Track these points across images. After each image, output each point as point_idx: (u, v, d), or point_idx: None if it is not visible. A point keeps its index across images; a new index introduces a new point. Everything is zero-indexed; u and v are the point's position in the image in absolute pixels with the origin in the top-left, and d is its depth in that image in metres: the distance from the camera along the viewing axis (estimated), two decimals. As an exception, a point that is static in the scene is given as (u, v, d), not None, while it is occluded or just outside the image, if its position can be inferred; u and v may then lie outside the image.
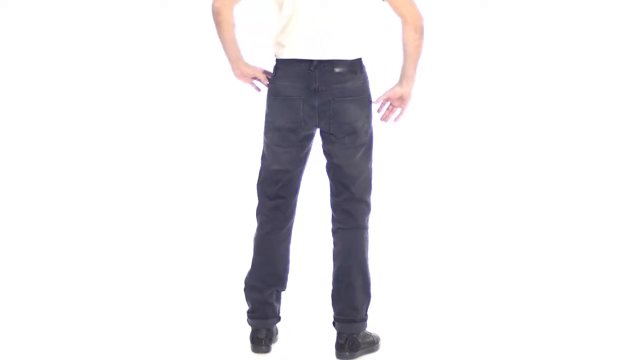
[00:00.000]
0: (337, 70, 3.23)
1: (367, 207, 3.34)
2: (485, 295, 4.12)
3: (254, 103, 5.39)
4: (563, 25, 5.34)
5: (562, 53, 5.36)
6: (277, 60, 3.30)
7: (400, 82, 3.30)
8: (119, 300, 4.03)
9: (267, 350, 3.38)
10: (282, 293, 3.49)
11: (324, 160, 3.39)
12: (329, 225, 3.40)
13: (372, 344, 3.41)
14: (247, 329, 3.51)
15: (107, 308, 3.92)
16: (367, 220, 3.36)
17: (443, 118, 5.40)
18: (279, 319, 3.47)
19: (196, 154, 5.38)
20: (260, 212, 3.40)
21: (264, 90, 3.40)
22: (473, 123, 5.39)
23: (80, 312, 3.85)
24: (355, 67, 3.24)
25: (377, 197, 4.58)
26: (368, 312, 3.38)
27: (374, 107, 3.33)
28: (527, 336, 3.58)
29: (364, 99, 3.26)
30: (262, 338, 3.39)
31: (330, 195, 3.35)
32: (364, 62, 3.29)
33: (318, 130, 3.29)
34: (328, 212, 3.40)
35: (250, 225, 3.57)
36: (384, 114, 3.35)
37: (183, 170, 5.36)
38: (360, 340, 3.35)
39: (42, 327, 3.67)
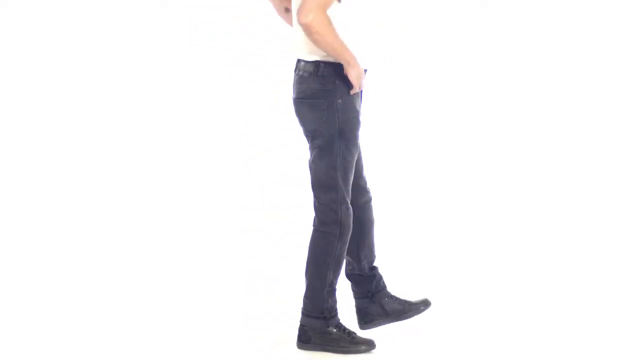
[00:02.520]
0: (299, 70, 3.32)
1: (323, 208, 3.33)
2: (483, 295, 4.12)
3: (255, 103, 5.41)
4: (562, 26, 5.34)
5: (562, 54, 5.36)
6: None
7: None
8: (118, 300, 4.03)
9: None
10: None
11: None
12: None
13: (330, 344, 3.35)
14: (247, 329, 3.50)
15: (107, 308, 3.91)
16: (326, 224, 3.33)
17: (443, 118, 5.40)
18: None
19: (196, 154, 5.37)
20: None
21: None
22: (472, 123, 5.39)
23: (81, 312, 3.85)
24: (312, 70, 3.27)
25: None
26: (322, 314, 3.35)
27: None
28: (526, 336, 3.58)
29: (318, 104, 3.27)
30: None
31: None
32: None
33: None
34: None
35: (249, 225, 3.59)
36: None
37: (183, 170, 5.35)
38: (310, 334, 3.36)
39: (42, 327, 3.66)
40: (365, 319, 3.50)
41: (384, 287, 3.53)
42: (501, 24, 5.34)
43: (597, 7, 5.29)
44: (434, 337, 3.56)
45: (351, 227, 3.36)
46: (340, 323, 3.40)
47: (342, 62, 3.24)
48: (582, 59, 5.34)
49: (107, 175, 5.31)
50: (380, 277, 3.54)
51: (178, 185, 5.32)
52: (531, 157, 5.34)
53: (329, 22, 3.18)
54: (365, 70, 3.35)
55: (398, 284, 4.20)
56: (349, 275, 3.54)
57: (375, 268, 3.54)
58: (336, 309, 3.41)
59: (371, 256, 3.53)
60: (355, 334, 3.40)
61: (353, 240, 3.43)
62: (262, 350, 3.39)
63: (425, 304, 3.50)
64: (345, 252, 3.40)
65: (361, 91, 3.38)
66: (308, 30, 3.17)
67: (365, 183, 3.49)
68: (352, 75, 3.25)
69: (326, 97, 3.27)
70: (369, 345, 3.37)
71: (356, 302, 3.53)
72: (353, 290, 3.54)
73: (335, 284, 3.40)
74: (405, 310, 3.49)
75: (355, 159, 3.36)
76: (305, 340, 3.39)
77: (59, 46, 5.32)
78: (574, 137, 5.34)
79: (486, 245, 4.85)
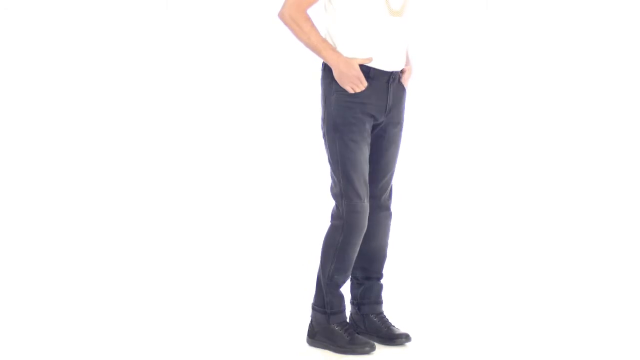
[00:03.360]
0: None
1: (334, 200, 3.37)
2: (483, 296, 4.12)
3: (255, 103, 5.41)
4: (562, 26, 5.34)
5: (561, 54, 5.36)
6: None
7: None
8: (122, 299, 4.02)
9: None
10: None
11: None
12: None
13: (331, 341, 3.36)
14: (247, 328, 3.49)
15: (111, 307, 3.91)
16: (333, 216, 3.37)
17: (442, 118, 5.39)
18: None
19: (196, 154, 5.37)
20: None
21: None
22: (471, 123, 5.38)
23: (81, 312, 3.85)
24: (322, 64, 3.36)
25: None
26: (324, 308, 3.37)
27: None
28: (527, 336, 3.57)
29: (322, 96, 3.36)
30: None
31: None
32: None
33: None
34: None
35: (250, 226, 3.59)
36: None
37: (183, 171, 5.35)
38: (317, 329, 3.39)
39: (42, 327, 3.66)
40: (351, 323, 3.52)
41: (375, 302, 3.51)
42: (502, 24, 5.34)
43: (596, 7, 5.29)
44: (433, 340, 3.56)
45: (357, 224, 3.33)
46: (345, 322, 3.39)
47: (313, 51, 3.28)
48: (582, 59, 5.34)
49: (107, 176, 5.32)
50: (377, 292, 3.51)
51: (181, 185, 5.32)
52: (530, 159, 5.34)
53: (302, 20, 3.23)
54: (393, 72, 3.32)
55: (400, 287, 4.21)
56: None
57: (375, 281, 3.51)
58: (339, 306, 3.39)
59: (370, 266, 3.50)
60: (356, 334, 3.38)
61: None
62: (271, 348, 3.40)
63: (406, 338, 3.42)
64: (353, 253, 3.37)
65: (388, 92, 3.33)
66: (285, 25, 3.29)
67: (382, 195, 3.45)
68: (334, 75, 3.28)
69: (325, 90, 3.32)
70: (369, 347, 3.34)
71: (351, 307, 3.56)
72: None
73: (339, 280, 3.38)
74: (381, 334, 3.44)
75: (359, 157, 3.31)
76: (312, 335, 3.40)
77: (59, 46, 5.32)
78: (574, 137, 5.34)
79: (484, 247, 4.84)
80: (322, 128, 3.36)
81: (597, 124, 5.35)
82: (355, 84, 3.26)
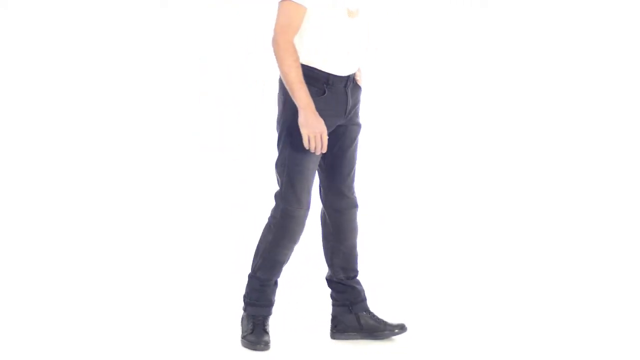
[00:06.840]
0: None
1: (274, 200, 3.44)
2: (481, 297, 4.12)
3: (254, 103, 5.42)
4: (562, 26, 5.35)
5: (561, 54, 5.37)
6: None
7: None
8: (119, 302, 4.03)
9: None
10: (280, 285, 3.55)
11: None
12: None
13: (241, 327, 3.45)
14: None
15: (108, 309, 3.92)
16: (270, 213, 3.40)
17: (440, 119, 5.40)
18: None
19: (196, 154, 5.38)
20: None
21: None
22: (470, 124, 5.40)
23: (81, 312, 3.86)
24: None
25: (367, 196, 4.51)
26: (244, 295, 3.49)
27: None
28: (526, 336, 3.58)
29: (280, 97, 3.35)
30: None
31: None
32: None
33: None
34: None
35: (250, 226, 3.60)
36: None
37: (183, 171, 5.36)
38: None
39: (42, 327, 3.67)
40: (338, 327, 3.52)
41: (364, 299, 3.52)
42: (501, 24, 5.35)
43: (596, 7, 5.30)
44: (421, 336, 3.57)
45: (289, 229, 3.36)
46: (260, 316, 3.42)
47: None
48: (581, 59, 5.35)
49: (108, 176, 5.33)
50: (361, 290, 3.53)
51: (183, 186, 5.34)
52: (528, 160, 5.35)
53: (286, 50, 3.18)
54: (350, 75, 3.32)
55: (388, 291, 4.21)
56: (327, 281, 3.55)
57: (355, 279, 3.53)
58: (256, 299, 3.43)
59: (348, 265, 3.51)
60: (263, 330, 3.40)
61: (327, 245, 3.51)
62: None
63: (400, 328, 3.45)
64: (280, 255, 3.40)
65: (347, 95, 3.32)
66: (274, 52, 3.22)
67: (349, 190, 3.45)
68: (300, 121, 3.22)
69: (284, 92, 3.30)
70: (263, 344, 3.36)
71: (333, 309, 3.54)
72: (331, 297, 3.55)
73: (261, 277, 3.42)
74: (379, 328, 3.47)
75: (308, 164, 3.30)
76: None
77: (59, 46, 5.33)
78: (573, 137, 5.35)
79: (481, 250, 4.85)
80: (277, 129, 3.35)
81: (590, 123, 5.37)
82: (316, 140, 3.21)
